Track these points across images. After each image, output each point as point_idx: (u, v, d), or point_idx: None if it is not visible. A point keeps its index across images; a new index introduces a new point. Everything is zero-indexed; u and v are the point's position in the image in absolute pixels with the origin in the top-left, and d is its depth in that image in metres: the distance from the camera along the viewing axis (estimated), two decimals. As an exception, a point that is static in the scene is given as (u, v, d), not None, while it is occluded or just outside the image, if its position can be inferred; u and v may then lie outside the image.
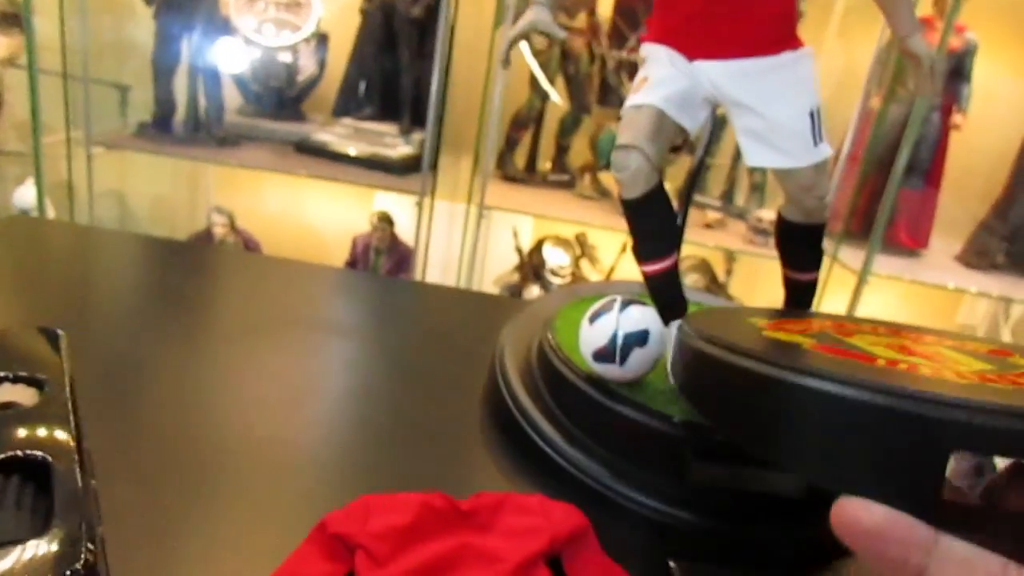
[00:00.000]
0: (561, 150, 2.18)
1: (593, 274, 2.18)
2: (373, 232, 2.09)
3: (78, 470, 0.30)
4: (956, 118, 1.92)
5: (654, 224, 0.49)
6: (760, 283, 2.18)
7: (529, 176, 2.16)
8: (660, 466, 0.47)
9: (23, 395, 0.35)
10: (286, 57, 2.07)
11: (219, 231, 2.06)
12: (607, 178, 2.08)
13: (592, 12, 2.02)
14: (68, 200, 1.99)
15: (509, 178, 2.13)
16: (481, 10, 1.97)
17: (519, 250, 2.15)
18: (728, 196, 2.15)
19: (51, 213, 1.94)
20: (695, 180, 0.58)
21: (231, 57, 2.01)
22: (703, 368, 0.36)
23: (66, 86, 1.92)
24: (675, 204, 0.51)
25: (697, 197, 2.09)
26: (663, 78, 0.47)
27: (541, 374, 0.55)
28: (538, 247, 2.15)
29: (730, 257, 2.14)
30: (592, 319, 0.50)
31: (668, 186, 0.49)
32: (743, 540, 0.46)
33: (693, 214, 1.98)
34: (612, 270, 2.15)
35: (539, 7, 0.53)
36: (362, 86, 2.14)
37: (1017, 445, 0.23)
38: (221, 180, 2.31)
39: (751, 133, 0.47)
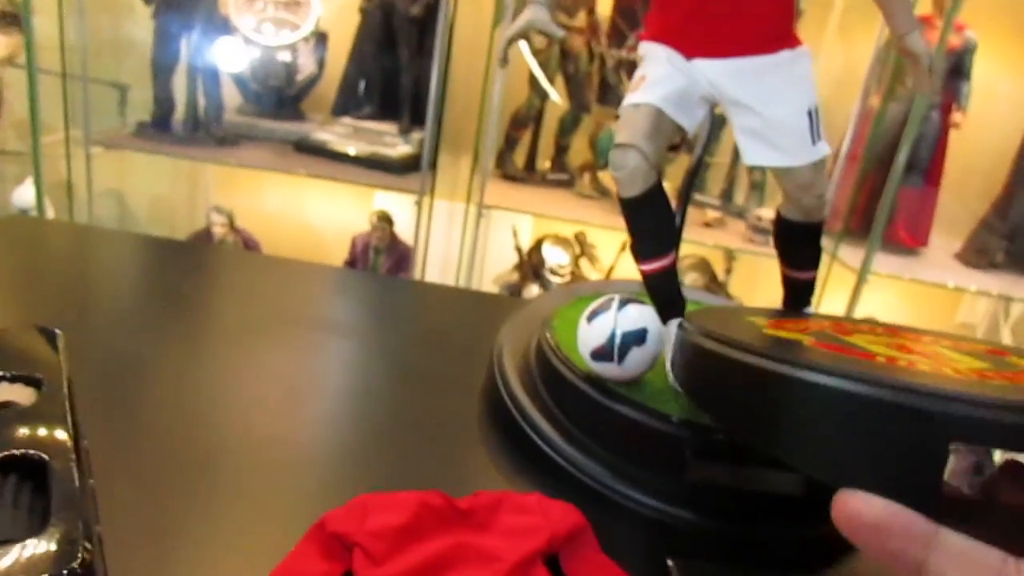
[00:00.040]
0: (560, 149, 2.17)
1: (593, 273, 2.18)
2: (372, 231, 2.09)
3: (75, 469, 0.30)
4: (956, 116, 1.92)
5: (652, 223, 0.49)
6: (760, 282, 2.18)
7: (528, 175, 2.16)
8: (659, 465, 0.47)
9: (21, 394, 0.35)
10: (285, 56, 2.07)
11: (218, 230, 2.05)
12: (606, 177, 2.08)
13: (591, 11, 2.02)
14: (67, 200, 1.99)
15: (508, 177, 2.13)
16: (480, 9, 1.97)
17: (518, 249, 2.15)
18: (727, 195, 2.15)
19: (50, 213, 1.93)
20: (694, 179, 0.58)
21: (230, 56, 2.01)
22: (705, 364, 0.36)
23: (65, 85, 1.92)
24: (674, 203, 0.51)
25: (696, 196, 2.09)
26: (661, 77, 0.47)
27: (539, 373, 0.55)
28: (537, 246, 2.15)
29: (730, 256, 2.14)
30: (590, 318, 0.50)
31: (667, 185, 0.49)
32: (741, 539, 0.46)
33: (693, 213, 1.99)
34: (612, 269, 2.15)
35: (537, 6, 0.53)
36: (361, 85, 2.13)
37: (1015, 438, 0.23)
38: (220, 179, 2.31)
39: (749, 132, 0.47)
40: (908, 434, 0.24)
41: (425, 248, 2.08)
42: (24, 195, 1.92)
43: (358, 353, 0.66)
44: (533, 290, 2.13)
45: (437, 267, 2.17)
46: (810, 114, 0.47)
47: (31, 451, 0.30)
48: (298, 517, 0.40)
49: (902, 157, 1.75)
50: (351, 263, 2.13)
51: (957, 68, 1.88)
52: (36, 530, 0.27)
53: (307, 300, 0.76)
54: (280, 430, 0.51)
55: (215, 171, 2.26)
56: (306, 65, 2.12)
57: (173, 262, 0.82)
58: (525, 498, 0.42)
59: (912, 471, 0.24)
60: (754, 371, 0.30)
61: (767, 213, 1.96)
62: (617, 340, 0.48)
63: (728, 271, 2.17)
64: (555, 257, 2.12)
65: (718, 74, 0.47)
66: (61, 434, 0.32)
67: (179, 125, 2.02)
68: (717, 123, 0.54)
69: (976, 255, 2.01)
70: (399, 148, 2.03)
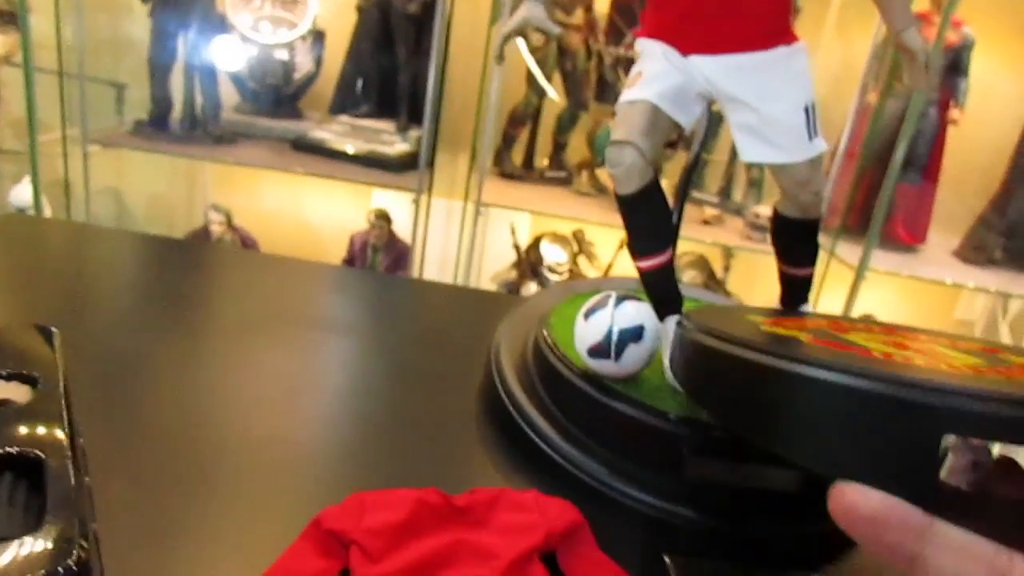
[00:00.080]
0: (558, 147, 2.17)
1: (591, 271, 2.18)
2: (371, 230, 2.09)
3: (71, 467, 0.30)
4: (953, 113, 1.92)
5: (649, 220, 0.49)
6: (758, 279, 2.18)
7: (526, 173, 2.16)
8: (656, 462, 0.47)
9: (16, 392, 0.35)
10: (283, 54, 2.06)
11: (216, 229, 2.05)
12: (604, 175, 2.07)
13: (589, 8, 2.02)
14: (64, 198, 1.99)
15: (506, 175, 2.13)
16: (477, 6, 1.97)
17: (516, 247, 2.15)
18: (726, 192, 2.15)
19: (47, 211, 1.93)
20: (691, 175, 0.58)
21: (227, 55, 2.01)
22: (704, 361, 0.36)
23: (62, 84, 1.91)
24: (672, 200, 0.51)
25: (695, 193, 2.09)
26: (657, 73, 0.47)
27: (537, 371, 0.55)
28: (536, 244, 2.15)
29: (728, 253, 2.14)
30: (587, 315, 0.50)
31: (665, 182, 0.49)
32: (739, 535, 0.46)
33: (691, 210, 1.99)
34: (610, 267, 2.15)
35: (533, 3, 0.53)
36: (359, 83, 2.13)
37: (1009, 431, 0.23)
38: (218, 178, 2.31)
39: (746, 128, 0.47)
40: (904, 427, 0.24)
41: (423, 246, 2.08)
42: (21, 194, 1.92)
43: (356, 351, 0.66)
44: (531, 288, 2.13)
45: (435, 265, 2.17)
46: (807, 110, 0.47)
47: (27, 449, 0.30)
48: (296, 515, 0.40)
49: (900, 154, 1.75)
50: (349, 261, 2.13)
51: (955, 64, 1.88)
52: (32, 528, 0.27)
53: (305, 299, 0.76)
54: (278, 428, 0.51)
55: (213, 169, 2.25)
56: (303, 63, 2.12)
57: (171, 261, 0.82)
58: (522, 495, 0.42)
59: (908, 464, 0.24)
60: (752, 367, 0.30)
61: (765, 210, 1.96)
62: (614, 337, 0.48)
63: (726, 268, 2.17)
64: (553, 255, 2.12)
65: (714, 70, 0.47)
66: (57, 432, 0.32)
67: (176, 123, 2.02)
68: (715, 120, 0.54)
69: (974, 252, 2.01)
70: (397, 146, 2.03)
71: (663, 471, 0.47)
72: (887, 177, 1.78)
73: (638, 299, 0.50)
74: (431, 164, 1.99)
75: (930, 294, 2.08)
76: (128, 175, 2.25)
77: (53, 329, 0.41)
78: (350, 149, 2.01)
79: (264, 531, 0.41)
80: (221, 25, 1.98)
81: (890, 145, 1.80)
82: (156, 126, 1.99)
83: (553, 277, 2.11)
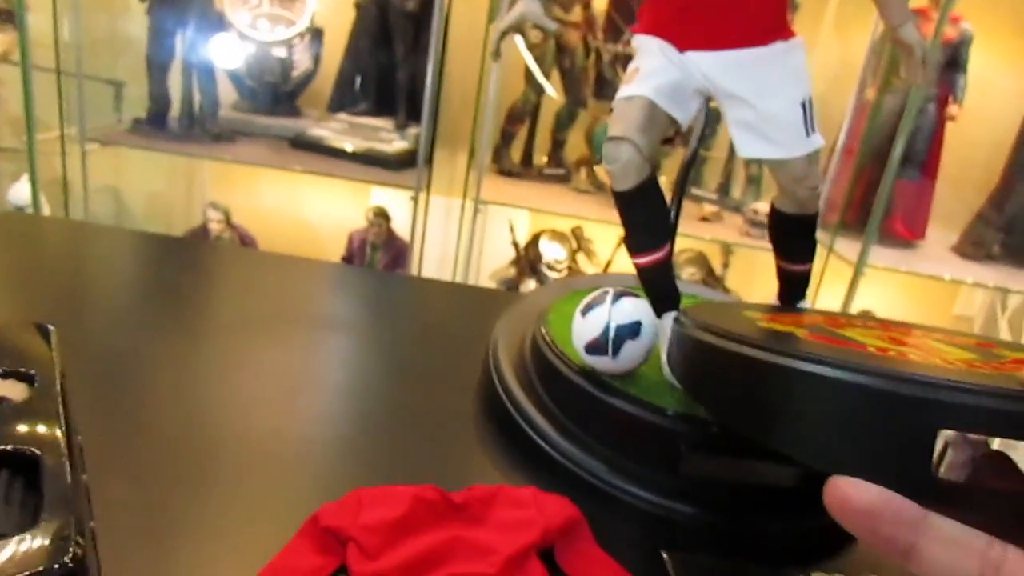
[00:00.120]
0: (557, 144, 2.17)
1: (590, 268, 2.18)
2: (369, 228, 2.09)
3: (68, 465, 0.30)
4: (952, 109, 1.92)
5: (646, 216, 0.49)
6: (757, 276, 2.18)
7: (525, 170, 2.15)
8: (654, 458, 0.47)
9: (13, 390, 0.35)
10: (281, 52, 2.06)
11: (215, 227, 2.05)
12: (602, 171, 2.07)
13: (587, 5, 2.01)
14: (63, 196, 1.98)
15: (505, 172, 2.12)
16: (475, 3, 1.96)
17: (515, 244, 2.15)
18: (724, 189, 2.15)
19: (46, 210, 1.93)
20: (688, 171, 0.58)
21: (225, 52, 2.01)
22: (701, 357, 0.36)
23: (60, 82, 1.91)
24: (670, 196, 0.51)
25: (693, 190, 2.09)
26: (654, 69, 0.47)
27: (534, 367, 0.56)
28: (534, 241, 2.15)
29: (727, 250, 2.14)
30: (584, 311, 0.50)
31: (664, 179, 0.49)
32: (736, 531, 0.46)
33: (690, 207, 1.99)
34: (609, 264, 2.15)
35: (530, -1, 0.53)
36: (357, 81, 2.13)
37: (1001, 424, 0.23)
38: (216, 176, 2.30)
39: (743, 124, 0.47)
40: (898, 421, 0.24)
41: (422, 244, 2.07)
42: (20, 192, 1.92)
43: (355, 349, 0.66)
44: (530, 285, 2.13)
45: (434, 263, 2.17)
46: (804, 106, 0.47)
47: (23, 447, 0.30)
48: (294, 513, 0.40)
49: (898, 150, 1.74)
50: (348, 259, 2.13)
51: (953, 60, 1.88)
52: (28, 525, 0.27)
53: (304, 296, 0.76)
54: (276, 425, 0.51)
55: (211, 167, 2.25)
56: (302, 61, 2.11)
57: (169, 259, 0.82)
58: (520, 492, 0.42)
59: (902, 457, 0.24)
60: (748, 362, 0.30)
61: (764, 207, 1.95)
62: (611, 333, 0.48)
63: (725, 265, 2.17)
64: (552, 252, 2.12)
65: (711, 66, 0.47)
66: (53, 430, 0.32)
67: (175, 122, 2.01)
68: (713, 117, 0.54)
69: (973, 247, 2.01)
70: (395, 144, 2.03)
71: (661, 467, 0.47)
72: (886, 173, 1.77)
73: (635, 295, 0.50)
74: (430, 162, 1.99)
75: (929, 290, 2.08)
76: (126, 173, 2.25)
77: (50, 327, 0.41)
78: (348, 147, 2.00)
79: (262, 528, 0.41)
80: (219, 23, 1.97)
81: (888, 141, 1.80)
82: (154, 124, 1.98)
83: (552, 274, 2.11)
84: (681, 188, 0.57)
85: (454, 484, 0.42)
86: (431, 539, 0.38)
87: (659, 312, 0.50)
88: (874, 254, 1.84)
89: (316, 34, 2.11)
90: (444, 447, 0.53)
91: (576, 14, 2.01)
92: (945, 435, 0.27)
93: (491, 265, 2.23)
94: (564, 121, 2.12)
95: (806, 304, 0.56)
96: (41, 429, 0.32)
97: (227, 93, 2.10)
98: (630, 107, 0.46)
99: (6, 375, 0.36)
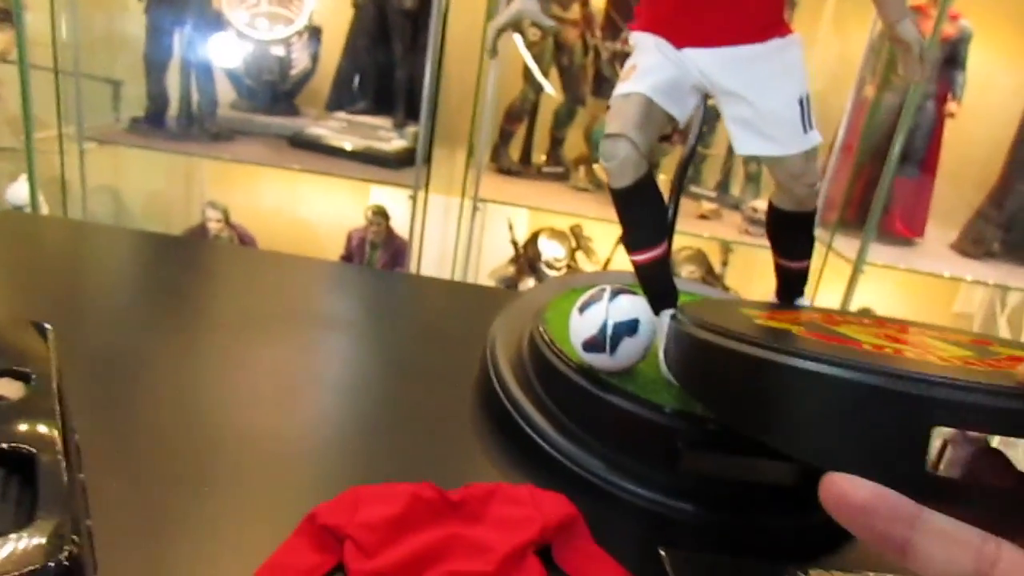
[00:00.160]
0: (556, 142, 2.17)
1: (589, 266, 2.18)
2: (368, 226, 2.08)
3: (64, 463, 0.30)
4: (951, 106, 1.92)
5: (643, 213, 0.49)
6: (756, 274, 2.18)
7: (524, 168, 2.15)
8: (651, 456, 0.47)
9: (9, 388, 0.35)
10: (279, 51, 2.06)
11: (213, 226, 2.05)
12: (600, 169, 2.07)
13: (585, 3, 2.01)
14: (61, 195, 1.98)
15: (504, 171, 2.12)
16: (474, 2, 1.96)
17: (514, 243, 2.15)
18: (723, 187, 2.15)
19: (44, 209, 1.93)
20: (686, 169, 0.58)
21: (224, 51, 2.00)
22: (699, 354, 0.36)
23: (58, 81, 1.91)
24: (667, 194, 0.51)
25: (692, 188, 2.09)
26: (651, 66, 0.47)
27: (532, 365, 0.55)
28: (533, 240, 2.15)
29: (726, 248, 2.14)
30: (582, 309, 0.50)
31: (662, 177, 0.49)
32: (734, 528, 0.46)
33: (689, 205, 1.99)
34: (608, 262, 2.14)
35: (526, -4, 0.52)
36: (356, 80, 2.13)
37: (995, 421, 0.23)
38: (215, 175, 2.30)
39: (740, 121, 0.47)
40: (892, 418, 0.25)
41: (421, 242, 2.07)
42: (18, 191, 1.91)
43: (353, 347, 0.66)
44: (529, 283, 2.12)
45: (433, 262, 2.17)
46: (801, 103, 0.47)
47: (19, 445, 0.30)
48: (292, 511, 0.40)
49: (897, 147, 1.74)
50: (347, 258, 2.12)
51: (952, 57, 1.88)
52: (24, 524, 0.27)
53: (303, 295, 0.76)
54: (274, 424, 0.51)
55: (210, 166, 2.25)
56: (300, 60, 2.11)
57: (168, 258, 0.82)
58: (517, 489, 0.42)
59: (897, 454, 0.24)
60: (744, 359, 0.30)
61: (763, 205, 1.94)
62: (609, 331, 0.48)
63: (724, 263, 2.17)
64: (551, 250, 2.12)
65: (708, 63, 0.47)
66: (50, 428, 0.32)
67: (173, 121, 2.01)
68: (712, 114, 0.54)
69: (972, 245, 2.01)
70: (394, 142, 2.02)
71: (658, 465, 0.47)
72: (885, 171, 1.77)
73: (633, 293, 0.50)
74: (428, 160, 1.99)
75: (928, 287, 2.08)
76: (124, 172, 2.25)
77: (47, 325, 0.41)
78: (347, 145, 2.00)
79: (260, 526, 0.41)
80: (217, 21, 1.97)
81: (887, 139, 1.79)
82: (152, 123, 1.98)
83: (551, 273, 2.10)
84: (679, 185, 0.57)
85: (451, 482, 0.42)
86: (428, 537, 0.38)
87: (657, 309, 0.50)
88: (873, 252, 1.84)
89: (314, 33, 2.10)
90: (442, 445, 0.53)
91: (574, 11, 2.01)
92: (944, 432, 0.27)
93: (490, 263, 2.23)
94: (563, 119, 2.12)
95: (805, 301, 0.56)
96: (37, 427, 0.32)
97: (225, 92, 2.10)
98: (627, 104, 0.46)
99: (2, 373, 0.36)
